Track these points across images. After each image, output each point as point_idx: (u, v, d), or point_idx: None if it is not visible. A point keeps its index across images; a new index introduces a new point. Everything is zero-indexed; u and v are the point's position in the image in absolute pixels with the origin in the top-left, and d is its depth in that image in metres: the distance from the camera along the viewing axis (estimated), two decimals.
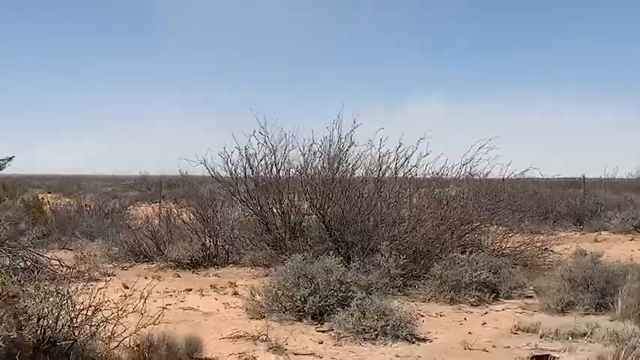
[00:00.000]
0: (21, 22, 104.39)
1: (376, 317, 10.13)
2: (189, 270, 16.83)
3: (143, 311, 8.51)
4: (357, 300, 10.57)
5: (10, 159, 14.73)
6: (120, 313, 8.18)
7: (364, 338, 9.98)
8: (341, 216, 15.27)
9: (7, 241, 15.06)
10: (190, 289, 14.01)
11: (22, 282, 7.91)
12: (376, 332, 10.00)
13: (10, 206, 17.35)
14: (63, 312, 7.88)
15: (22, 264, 14.87)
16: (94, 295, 8.18)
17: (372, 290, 11.68)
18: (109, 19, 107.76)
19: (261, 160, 16.97)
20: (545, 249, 17.61)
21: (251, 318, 11.42)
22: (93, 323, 8.07)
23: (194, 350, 8.85)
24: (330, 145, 15.99)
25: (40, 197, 27.31)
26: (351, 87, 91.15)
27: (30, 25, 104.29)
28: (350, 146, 15.92)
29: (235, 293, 13.54)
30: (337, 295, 11.14)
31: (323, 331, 10.53)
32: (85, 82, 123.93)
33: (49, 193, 44.06)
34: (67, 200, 31.40)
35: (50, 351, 7.54)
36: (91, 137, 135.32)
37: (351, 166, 16.10)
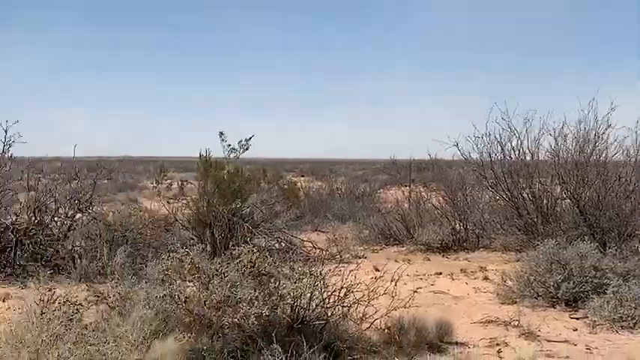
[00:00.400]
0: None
1: (634, 305, 9.65)
2: (439, 253, 16.77)
3: (394, 294, 8.56)
4: (613, 287, 10.13)
5: (249, 139, 15.31)
6: (371, 295, 8.27)
7: (621, 326, 9.54)
8: (596, 200, 14.63)
9: (263, 223, 15.66)
10: (440, 273, 13.96)
11: (277, 262, 8.16)
12: (634, 321, 9.53)
13: (267, 190, 17.98)
14: (316, 292, 8.06)
15: (276, 245, 15.43)
16: (345, 276, 8.31)
17: (629, 277, 11.13)
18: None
19: (508, 143, 16.59)
20: None
21: (502, 303, 11.21)
22: (345, 304, 8.21)
23: (444, 334, 8.79)
24: (585, 128, 15.34)
25: (293, 181, 28.18)
26: (608, 69, 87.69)
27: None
28: (607, 128, 15.19)
29: (486, 278, 13.36)
30: (592, 281, 10.70)
31: (577, 318, 10.16)
32: (334, 70, 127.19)
33: (302, 176, 45.44)
34: (319, 184, 32.25)
35: (303, 330, 7.73)
36: (343, 122, 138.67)
37: (606, 149, 15.36)
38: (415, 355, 8.20)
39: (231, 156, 15.20)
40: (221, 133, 15.27)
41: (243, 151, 15.28)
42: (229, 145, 15.14)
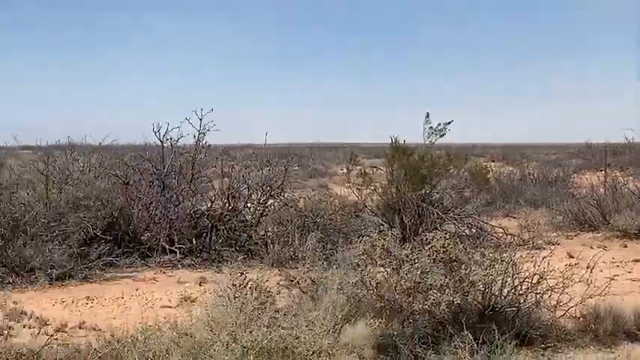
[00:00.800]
0: None
1: None
2: (637, 240, 16.14)
3: (589, 281, 8.32)
4: None
5: (448, 123, 15.13)
6: (565, 282, 8.06)
7: None
8: None
9: (452, 209, 15.53)
10: (638, 260, 13.45)
11: (467, 249, 8.08)
12: None
13: (455, 175, 17.81)
14: (507, 279, 7.94)
15: (466, 231, 15.26)
16: (538, 263, 8.14)
17: None
18: None
19: None
20: None
21: None
22: (537, 291, 8.05)
23: None
24: None
25: (483, 166, 27.80)
26: None
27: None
28: None
29: None
30: None
31: None
32: (526, 54, 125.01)
33: (493, 161, 44.82)
34: (510, 168, 31.74)
35: (494, 317, 7.63)
36: (534, 105, 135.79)
37: None
38: (612, 344, 7.94)
39: (429, 140, 15.11)
40: (427, 114, 15.17)
41: (439, 137, 15.17)
42: (431, 128, 15.03)
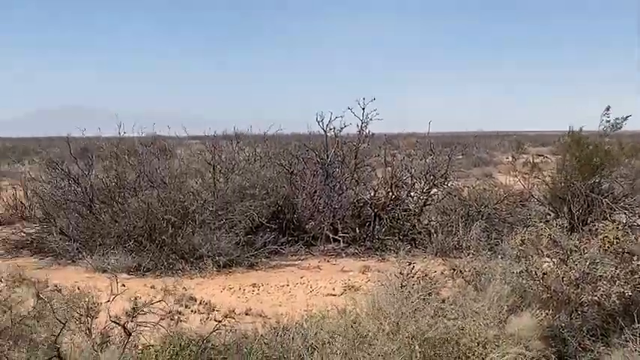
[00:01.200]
0: None
1: None
2: None
3: None
4: None
5: (626, 118, 14.58)
6: None
7: None
8: None
9: (623, 199, 14.97)
10: None
11: (638, 239, 7.78)
12: None
13: (626, 164, 17.11)
14: None
15: (638, 221, 14.68)
16: None
17: None
18: None
19: None
20: None
21: None
22: None
23: None
24: None
25: None
26: None
27: None
28: None
29: None
30: None
31: None
32: None
33: None
34: None
35: None
36: None
37: None
38: None
39: (604, 131, 14.66)
40: (608, 107, 14.71)
41: (614, 130, 14.70)
42: (608, 121, 14.58)
